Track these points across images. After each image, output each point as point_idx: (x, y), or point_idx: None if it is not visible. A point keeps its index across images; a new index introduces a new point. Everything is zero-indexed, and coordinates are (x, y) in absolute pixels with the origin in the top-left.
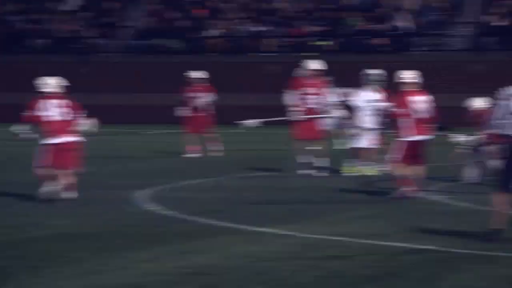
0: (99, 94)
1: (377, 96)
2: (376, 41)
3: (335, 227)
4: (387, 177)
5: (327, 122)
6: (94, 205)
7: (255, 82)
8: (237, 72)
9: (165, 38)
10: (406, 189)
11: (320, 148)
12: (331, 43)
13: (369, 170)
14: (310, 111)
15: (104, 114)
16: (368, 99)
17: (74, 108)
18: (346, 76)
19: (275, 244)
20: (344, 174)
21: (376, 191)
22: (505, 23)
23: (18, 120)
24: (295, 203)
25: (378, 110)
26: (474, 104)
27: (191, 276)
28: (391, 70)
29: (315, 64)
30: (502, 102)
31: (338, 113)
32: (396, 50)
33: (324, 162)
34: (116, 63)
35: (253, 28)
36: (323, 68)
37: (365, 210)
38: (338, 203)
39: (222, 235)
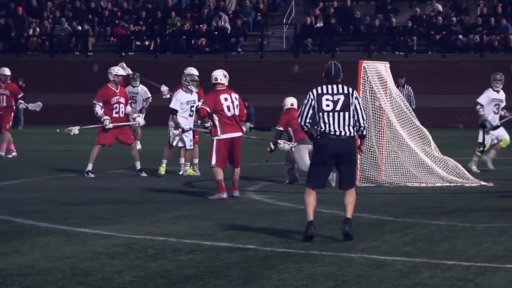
0: None
1: (194, 96)
2: (196, 41)
3: (157, 227)
4: (206, 177)
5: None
6: None
7: (76, 81)
8: (57, 72)
9: None
10: (224, 190)
11: (135, 151)
12: (149, 42)
13: (190, 170)
14: (118, 118)
15: None
16: (185, 100)
17: None
18: (165, 76)
19: (97, 244)
20: (161, 174)
21: (196, 191)
22: (321, 24)
23: None
24: (115, 203)
25: (194, 110)
26: (287, 102)
27: (12, 277)
28: (211, 71)
29: (120, 70)
30: (312, 102)
31: (140, 118)
32: (216, 51)
33: (138, 164)
34: None
35: (74, 27)
36: (127, 73)
37: (187, 210)
38: (159, 203)
39: (42, 236)
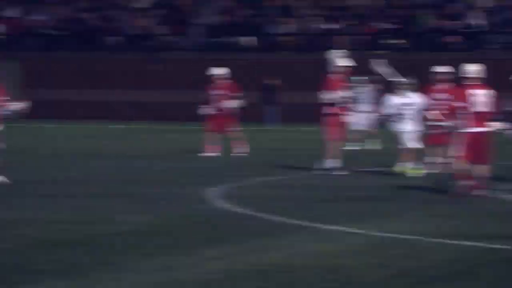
0: (170, 91)
1: (410, 99)
2: (448, 39)
3: (404, 225)
4: (451, 176)
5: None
6: (164, 202)
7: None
8: (307, 70)
9: (237, 35)
10: (467, 185)
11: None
12: (403, 41)
13: (416, 170)
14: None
15: (171, 111)
16: (396, 104)
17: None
18: (417, 74)
19: (344, 242)
20: (409, 175)
21: (438, 190)
22: None
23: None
24: (362, 201)
25: (420, 110)
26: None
27: (260, 273)
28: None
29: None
30: None
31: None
32: (469, 48)
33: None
34: (187, 60)
35: (325, 26)
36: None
37: (439, 209)
38: (405, 202)
39: (291, 233)
